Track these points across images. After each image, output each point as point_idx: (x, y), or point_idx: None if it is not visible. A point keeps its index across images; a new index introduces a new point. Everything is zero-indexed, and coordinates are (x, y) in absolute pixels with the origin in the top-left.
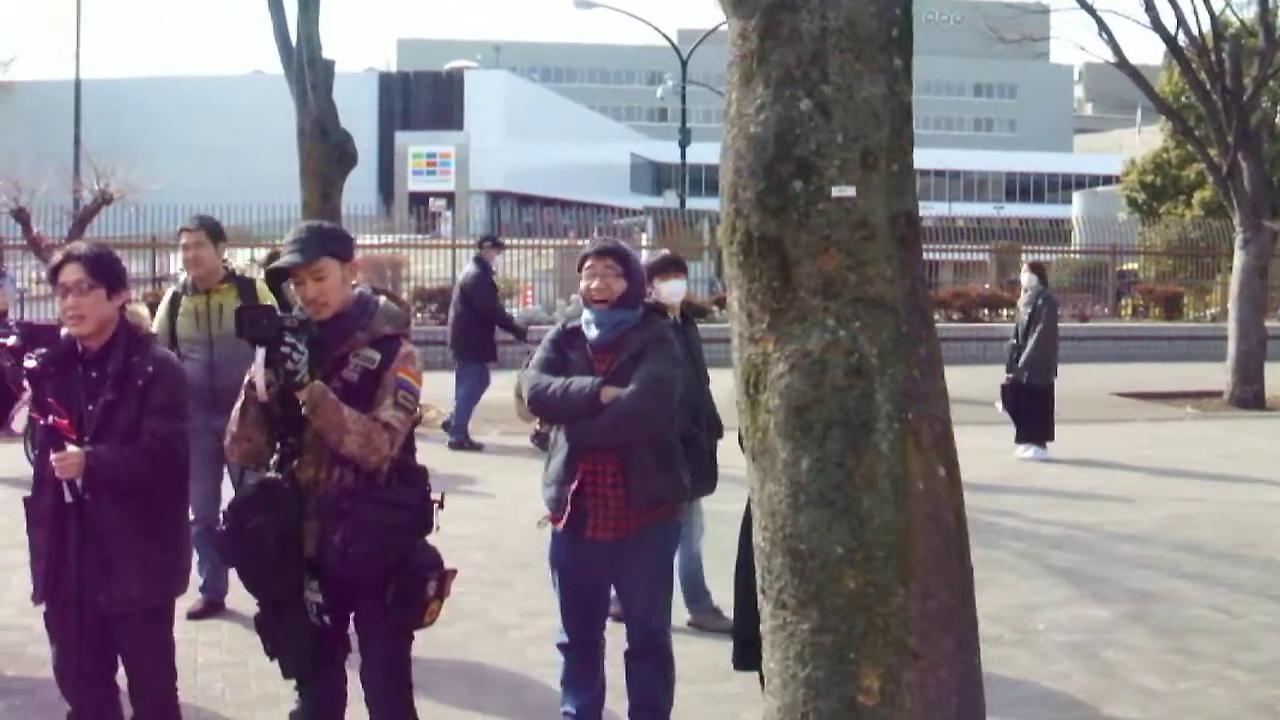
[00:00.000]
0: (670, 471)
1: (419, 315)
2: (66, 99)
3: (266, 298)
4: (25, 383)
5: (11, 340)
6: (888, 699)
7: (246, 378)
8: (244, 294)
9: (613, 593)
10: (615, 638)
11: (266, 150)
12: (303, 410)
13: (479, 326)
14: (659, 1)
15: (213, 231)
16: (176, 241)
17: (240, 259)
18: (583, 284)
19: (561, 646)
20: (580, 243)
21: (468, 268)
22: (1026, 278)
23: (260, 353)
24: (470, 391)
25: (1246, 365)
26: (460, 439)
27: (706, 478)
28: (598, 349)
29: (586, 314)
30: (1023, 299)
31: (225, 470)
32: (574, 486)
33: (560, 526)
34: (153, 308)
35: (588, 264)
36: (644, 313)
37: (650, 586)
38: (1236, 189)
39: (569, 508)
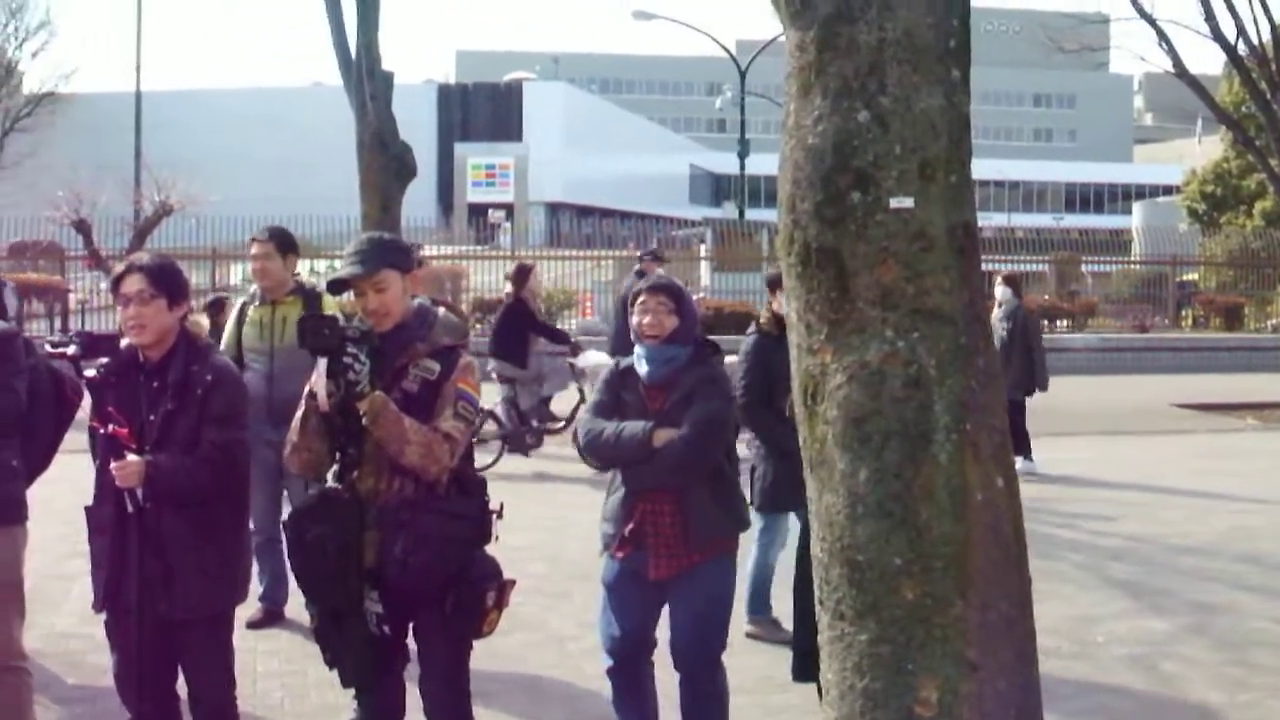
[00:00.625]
0: (729, 507)
1: (478, 326)
2: (127, 111)
3: (331, 311)
4: (85, 392)
5: (72, 350)
6: (945, 710)
7: (307, 388)
8: (309, 307)
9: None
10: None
11: (326, 162)
12: (363, 420)
13: None
14: (717, 13)
15: (282, 243)
16: (246, 251)
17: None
18: (634, 319)
19: (609, 671)
20: (639, 254)
21: (627, 279)
22: (1000, 291)
23: (322, 363)
24: None
25: None
26: None
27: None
28: (650, 387)
29: (637, 350)
30: (997, 313)
31: (285, 482)
32: (632, 526)
33: (621, 558)
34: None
35: (640, 300)
36: (695, 349)
37: (706, 620)
38: None
39: (629, 547)
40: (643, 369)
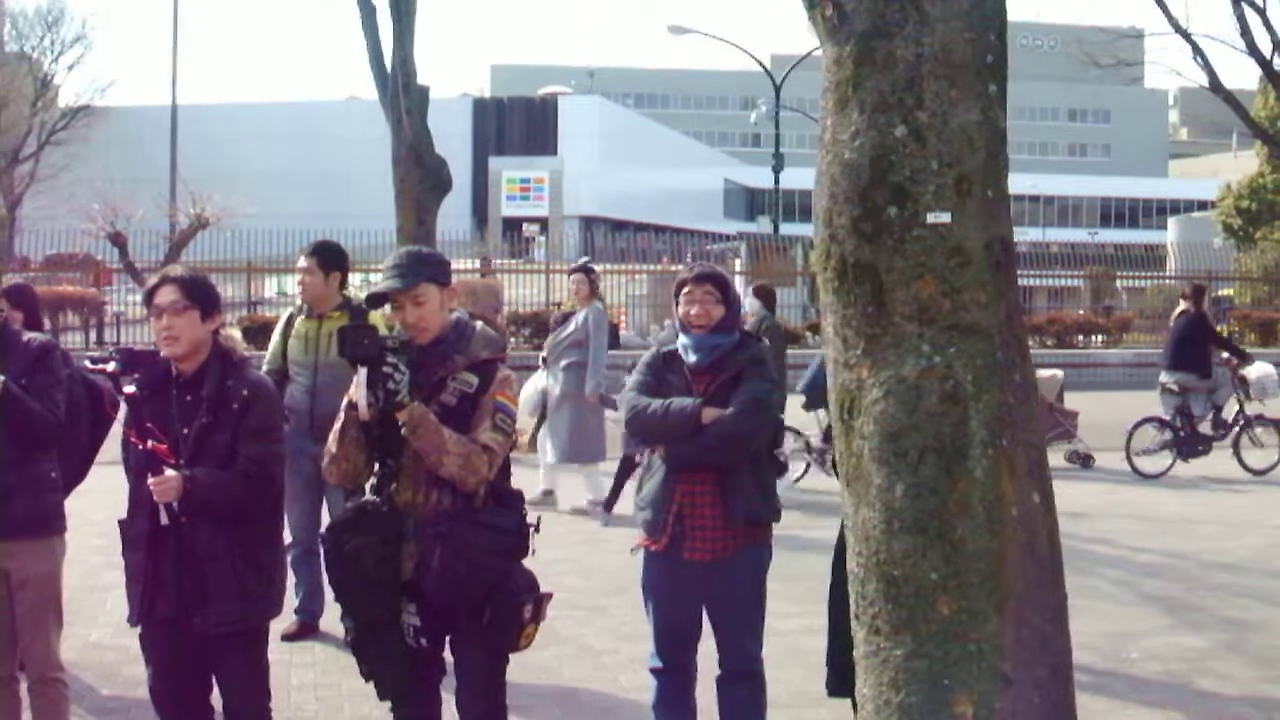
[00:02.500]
0: (767, 493)
1: (513, 340)
2: (162, 124)
3: (381, 328)
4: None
5: (112, 366)
6: None
7: (346, 398)
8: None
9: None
10: (706, 661)
11: (362, 176)
12: (402, 431)
13: None
14: (753, 27)
15: (325, 260)
16: (282, 265)
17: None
18: (681, 309)
19: (654, 671)
20: (674, 268)
21: None
22: (750, 303)
23: (362, 372)
24: None
25: None
26: None
27: None
28: (696, 371)
29: (683, 339)
30: (748, 326)
31: (325, 494)
32: (674, 509)
33: (657, 549)
34: (247, 332)
35: (686, 290)
36: (740, 337)
37: (744, 610)
38: None
39: (669, 530)
40: (690, 359)
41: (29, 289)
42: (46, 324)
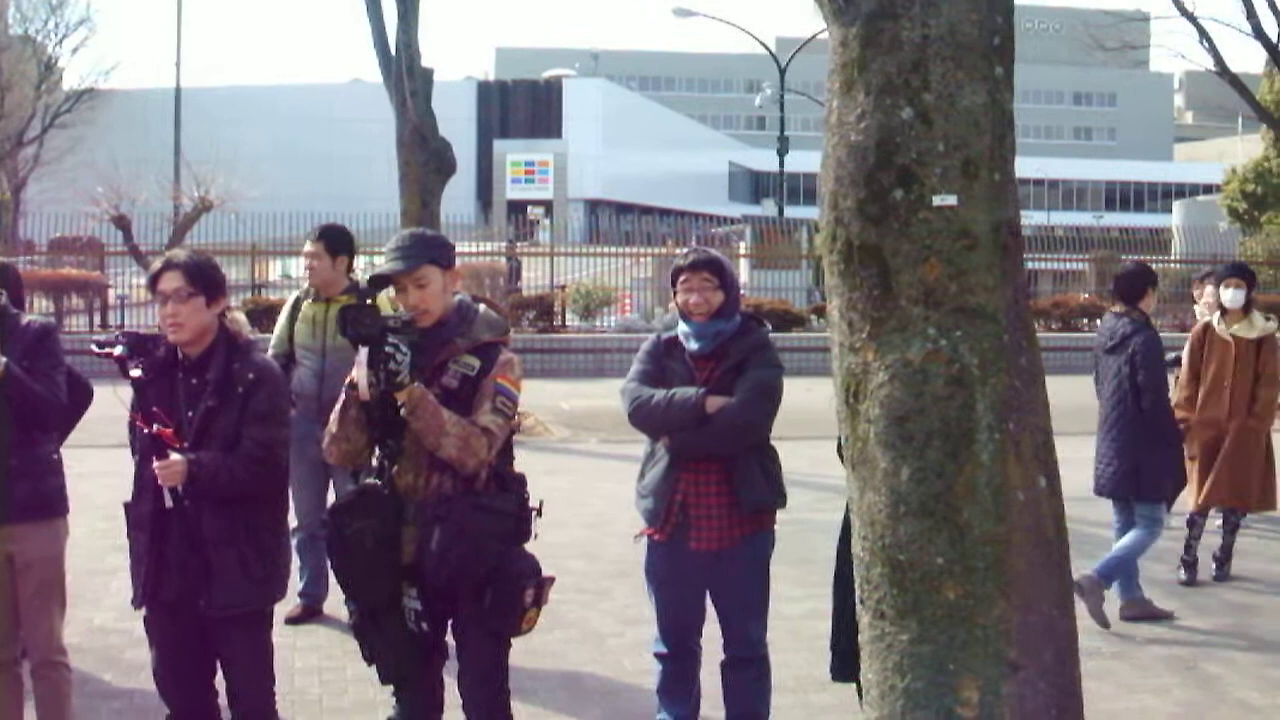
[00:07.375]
0: (774, 479)
1: (519, 323)
2: (167, 107)
3: (387, 310)
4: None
5: (118, 350)
6: (986, 711)
7: (348, 378)
8: None
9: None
10: (711, 645)
11: (366, 158)
12: (401, 412)
13: None
14: (757, 10)
15: (331, 244)
16: (287, 248)
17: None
18: (679, 298)
19: (659, 656)
20: (679, 250)
21: None
22: None
23: (363, 352)
24: None
25: None
26: None
27: None
28: (698, 358)
29: (684, 327)
30: None
31: (331, 478)
32: (678, 498)
33: (661, 538)
34: (251, 314)
35: (683, 278)
36: (742, 321)
37: (749, 597)
38: None
39: (672, 519)
40: (692, 346)
41: (13, 269)
42: (50, 307)
